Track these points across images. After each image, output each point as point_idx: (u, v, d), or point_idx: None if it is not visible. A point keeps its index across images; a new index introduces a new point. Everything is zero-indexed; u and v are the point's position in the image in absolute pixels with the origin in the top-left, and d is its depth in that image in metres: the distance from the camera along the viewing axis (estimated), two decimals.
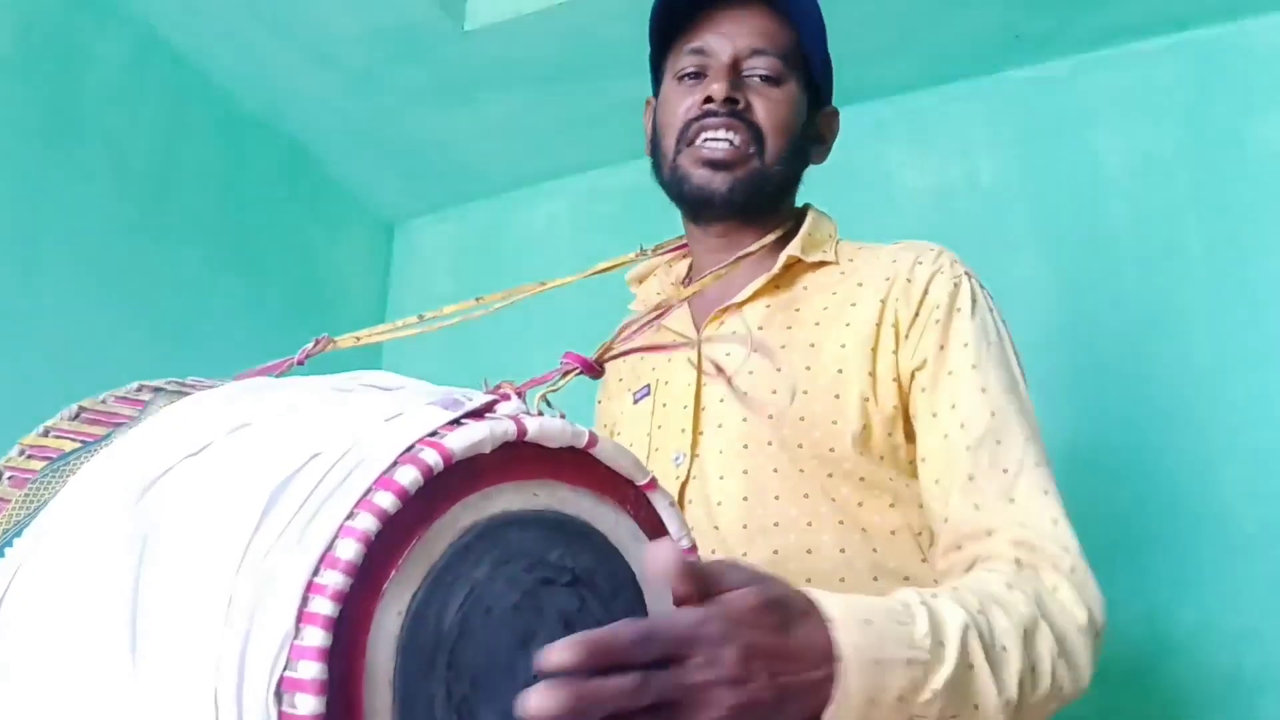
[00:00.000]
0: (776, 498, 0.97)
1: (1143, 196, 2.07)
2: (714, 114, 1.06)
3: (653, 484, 0.67)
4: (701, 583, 0.61)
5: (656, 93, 1.20)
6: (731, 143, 1.06)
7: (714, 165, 1.06)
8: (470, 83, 2.32)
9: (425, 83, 2.31)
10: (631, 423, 1.12)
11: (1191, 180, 2.04)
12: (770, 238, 1.10)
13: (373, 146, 2.53)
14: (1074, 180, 2.14)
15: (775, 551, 0.95)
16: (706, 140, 1.07)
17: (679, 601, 0.61)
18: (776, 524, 0.96)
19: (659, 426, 1.07)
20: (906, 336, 0.99)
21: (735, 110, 1.06)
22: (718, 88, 1.06)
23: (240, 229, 2.33)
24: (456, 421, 0.55)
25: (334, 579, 0.48)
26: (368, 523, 0.49)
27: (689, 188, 1.08)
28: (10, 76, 1.83)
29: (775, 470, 0.98)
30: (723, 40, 1.09)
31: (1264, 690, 1.74)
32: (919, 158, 2.30)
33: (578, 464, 0.62)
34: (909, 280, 1.02)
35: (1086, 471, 1.91)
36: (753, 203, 1.08)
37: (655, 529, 0.67)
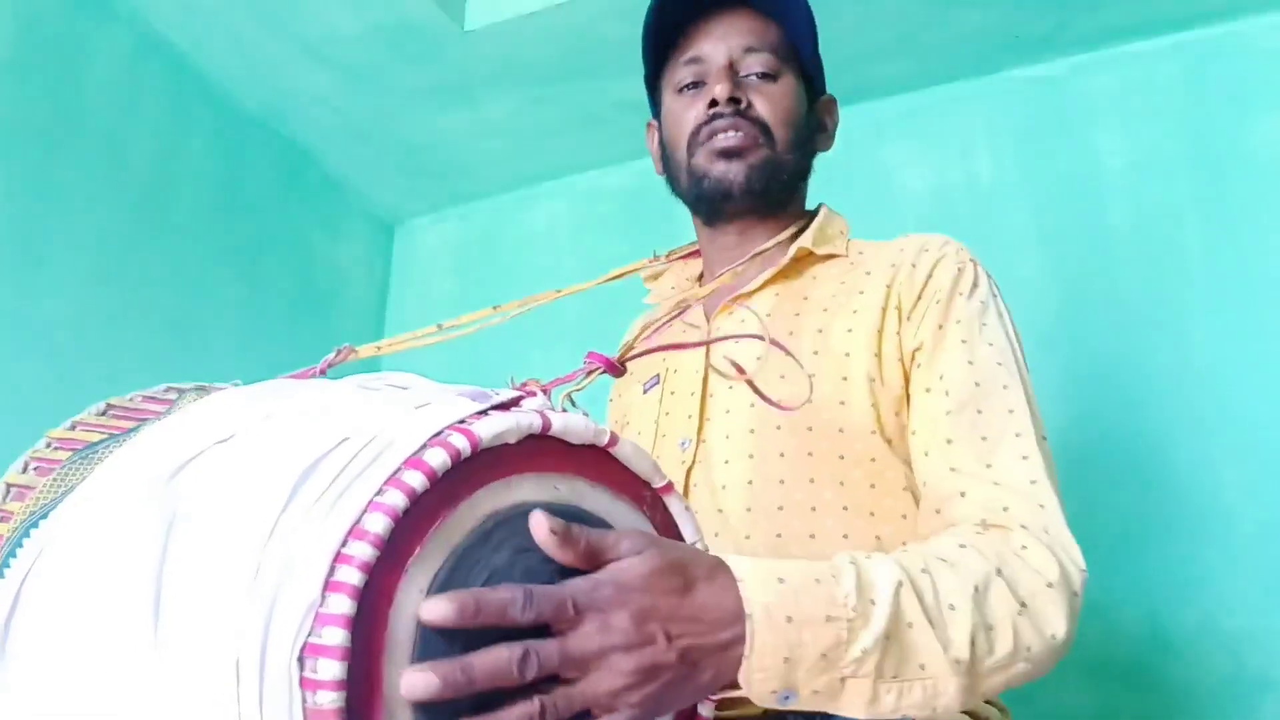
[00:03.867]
0: (781, 482, 0.97)
1: (1143, 196, 2.08)
2: (720, 115, 1.09)
3: (669, 487, 0.68)
4: (588, 551, 0.59)
5: (656, 114, 1.22)
6: (740, 137, 1.09)
7: (729, 155, 1.09)
8: (470, 83, 2.32)
9: (425, 83, 2.32)
10: (641, 412, 1.13)
11: (1191, 180, 2.05)
12: (784, 235, 1.12)
13: (373, 146, 2.53)
14: (1074, 180, 2.15)
15: (779, 535, 0.95)
16: (716, 138, 1.09)
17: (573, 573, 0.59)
18: (781, 508, 0.96)
19: (666, 414, 1.09)
20: (908, 318, 1.00)
21: (739, 110, 1.09)
22: (720, 89, 1.09)
23: (240, 229, 2.33)
24: (484, 413, 0.55)
25: (361, 550, 0.48)
26: (396, 499, 0.50)
27: (709, 183, 1.10)
28: (10, 76, 1.83)
29: (782, 455, 0.98)
30: (716, 44, 1.12)
31: (1264, 690, 1.74)
32: (919, 158, 2.30)
33: (598, 462, 0.63)
34: (914, 265, 1.03)
35: (1086, 471, 1.91)
36: (769, 190, 1.10)
37: (669, 530, 0.68)
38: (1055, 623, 0.78)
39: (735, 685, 0.65)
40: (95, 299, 1.94)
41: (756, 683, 0.64)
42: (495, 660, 0.53)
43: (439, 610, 0.51)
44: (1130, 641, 1.82)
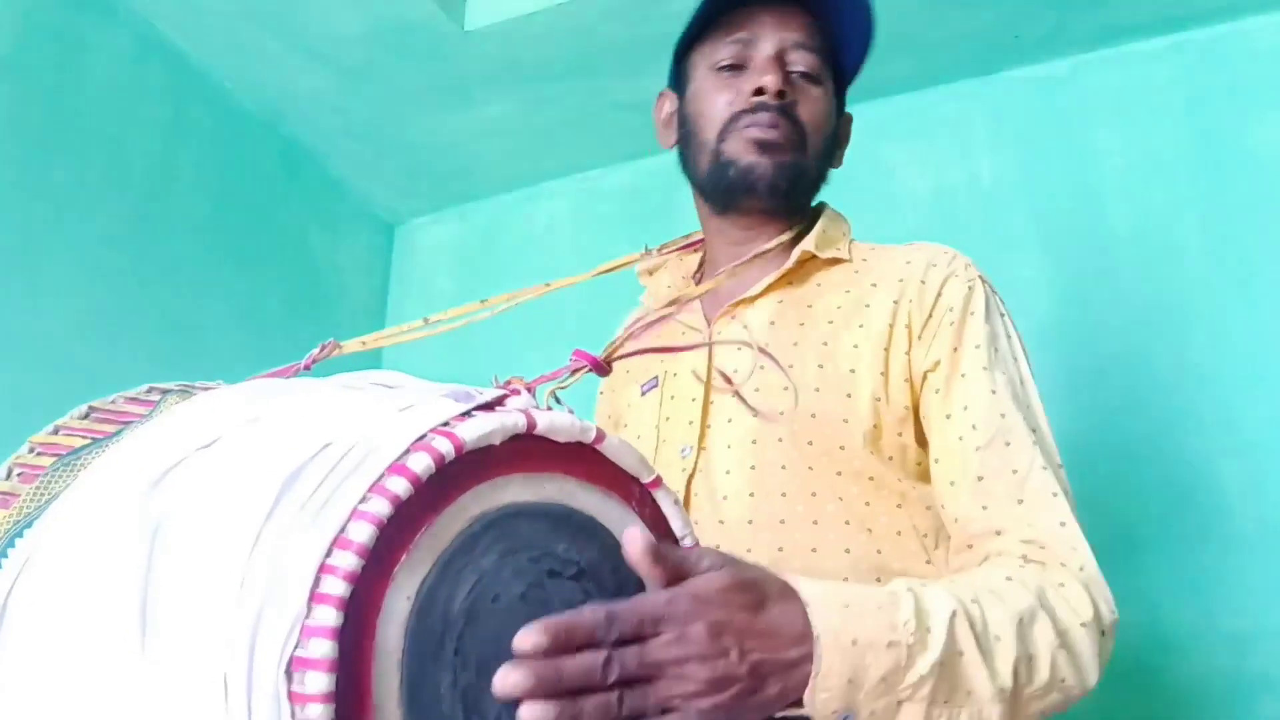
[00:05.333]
0: (783, 494, 0.96)
1: (1143, 196, 2.08)
2: (765, 107, 1.05)
3: (658, 482, 0.67)
4: (674, 567, 0.62)
5: (676, 85, 1.18)
6: (780, 133, 1.06)
7: (764, 147, 1.05)
8: (470, 83, 2.33)
9: (425, 83, 2.32)
10: (639, 415, 1.11)
11: (1191, 180, 2.04)
12: (787, 235, 1.10)
13: (373, 146, 2.53)
14: (1074, 180, 2.15)
15: (780, 549, 0.94)
16: (753, 130, 1.06)
17: (656, 585, 0.62)
18: (783, 521, 0.95)
19: (667, 418, 1.07)
20: (919, 338, 0.99)
21: (783, 105, 1.06)
22: (770, 80, 1.05)
23: (240, 229, 2.33)
24: (468, 414, 0.55)
25: (346, 560, 0.48)
26: (380, 506, 0.50)
27: (736, 171, 1.06)
28: (10, 76, 1.83)
29: (783, 467, 0.97)
30: (767, 31, 1.09)
31: (1264, 690, 1.74)
32: (919, 158, 2.30)
33: (585, 459, 0.63)
34: (923, 282, 1.02)
35: (1086, 471, 1.90)
36: (793, 192, 1.08)
37: (660, 526, 0.67)
38: (1088, 661, 0.81)
39: (798, 703, 0.67)
40: (95, 299, 1.94)
41: (820, 703, 0.66)
42: (584, 663, 0.56)
43: (532, 641, 0.54)
44: (1130, 641, 1.81)
